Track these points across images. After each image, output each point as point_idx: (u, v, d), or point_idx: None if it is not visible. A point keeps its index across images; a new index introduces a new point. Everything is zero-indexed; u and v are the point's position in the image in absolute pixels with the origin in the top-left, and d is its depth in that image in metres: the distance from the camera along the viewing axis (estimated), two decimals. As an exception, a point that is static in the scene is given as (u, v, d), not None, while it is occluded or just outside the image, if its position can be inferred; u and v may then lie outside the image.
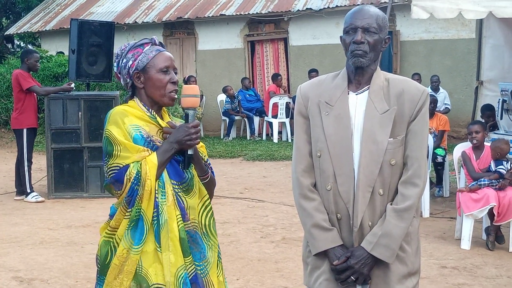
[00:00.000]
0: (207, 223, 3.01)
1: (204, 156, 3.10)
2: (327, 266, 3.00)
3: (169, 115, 3.11)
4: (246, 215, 8.66)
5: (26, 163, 9.71)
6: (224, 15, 17.58)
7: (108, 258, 2.95)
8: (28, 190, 9.72)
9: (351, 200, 2.92)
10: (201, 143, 3.09)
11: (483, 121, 9.75)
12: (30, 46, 24.93)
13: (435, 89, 13.83)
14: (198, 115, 15.78)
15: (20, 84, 9.57)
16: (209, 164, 3.14)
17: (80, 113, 9.77)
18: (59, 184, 9.85)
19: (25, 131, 9.69)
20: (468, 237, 7.09)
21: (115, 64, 3.08)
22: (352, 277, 2.92)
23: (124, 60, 3.00)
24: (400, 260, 2.94)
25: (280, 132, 16.26)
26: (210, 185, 3.07)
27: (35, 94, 9.75)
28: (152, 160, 2.85)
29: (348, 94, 3.00)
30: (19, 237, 7.59)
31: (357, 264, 2.90)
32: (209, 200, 3.04)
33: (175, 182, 2.92)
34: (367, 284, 2.95)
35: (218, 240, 3.10)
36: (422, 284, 3.21)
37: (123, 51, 3.03)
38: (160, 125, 2.97)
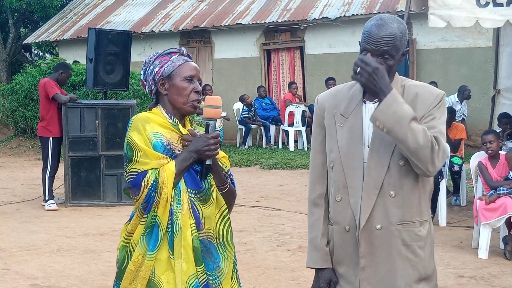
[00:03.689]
0: (224, 233, 3.01)
1: (225, 167, 3.10)
2: (340, 276, 3.07)
3: (191, 123, 3.12)
4: (262, 223, 8.66)
5: (48, 171, 9.81)
6: (241, 24, 17.64)
7: (125, 263, 2.97)
8: (46, 198, 9.78)
9: (359, 211, 2.92)
10: (223, 154, 3.11)
11: (500, 129, 9.72)
12: (48, 56, 25.12)
13: (466, 98, 13.77)
14: (225, 118, 15.85)
15: (46, 92, 9.69)
16: (230, 175, 3.13)
17: (97, 121, 9.82)
18: (76, 192, 9.91)
19: (51, 140, 9.82)
20: (486, 246, 7.05)
21: (142, 71, 3.11)
22: None
23: (151, 67, 3.04)
24: (411, 265, 2.93)
25: (296, 141, 16.25)
26: (228, 196, 3.07)
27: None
28: (170, 168, 2.87)
29: (365, 103, 2.99)
30: (36, 244, 7.63)
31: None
32: (227, 210, 3.03)
33: (191, 191, 2.93)
34: None
35: (235, 249, 3.10)
36: (439, 293, 3.20)
37: (151, 59, 3.06)
38: (181, 132, 2.99)
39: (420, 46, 16.10)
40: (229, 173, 3.13)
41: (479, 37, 15.36)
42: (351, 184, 2.94)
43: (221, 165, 3.07)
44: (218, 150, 2.96)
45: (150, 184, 2.86)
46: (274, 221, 8.79)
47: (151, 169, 2.88)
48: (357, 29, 15.35)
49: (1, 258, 7.09)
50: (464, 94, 13.79)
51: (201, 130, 3.10)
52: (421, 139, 2.76)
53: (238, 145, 16.70)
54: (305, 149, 15.58)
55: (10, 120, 17.16)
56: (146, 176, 2.87)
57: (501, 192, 7.08)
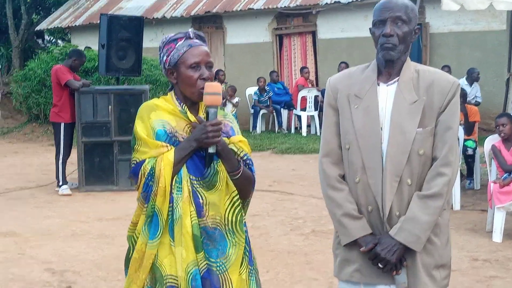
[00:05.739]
0: (233, 219, 2.95)
1: (241, 152, 3.02)
2: (358, 257, 2.99)
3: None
4: (275, 208, 8.67)
5: (61, 156, 9.88)
6: (252, 9, 17.56)
7: (131, 252, 2.99)
8: (60, 183, 9.85)
9: (380, 192, 2.90)
10: (239, 138, 3.04)
11: (514, 113, 9.67)
12: (60, 42, 25.17)
13: (475, 80, 13.69)
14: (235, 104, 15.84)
15: (58, 79, 9.73)
16: (247, 160, 3.05)
17: (110, 107, 9.85)
18: (90, 177, 9.96)
19: (62, 125, 9.88)
20: (500, 229, 7.03)
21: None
22: (379, 265, 2.91)
23: (161, 55, 2.99)
24: (427, 252, 2.92)
25: (308, 126, 16.24)
26: (242, 182, 2.98)
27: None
28: (168, 157, 2.83)
29: (379, 85, 2.99)
30: (51, 229, 7.68)
31: (383, 251, 2.88)
32: (237, 197, 2.96)
33: (194, 178, 2.88)
34: (399, 275, 2.94)
35: (246, 235, 3.05)
36: (453, 276, 3.20)
37: (162, 43, 3.00)
38: (190, 120, 2.94)
39: (433, 30, 15.98)
40: (245, 158, 3.04)
41: (493, 20, 15.22)
42: (369, 165, 2.92)
43: (236, 150, 3.00)
44: (219, 137, 2.85)
45: (146, 173, 2.85)
46: (287, 206, 8.80)
47: (149, 158, 2.87)
48: (369, 13, 15.04)
49: (16, 243, 7.14)
50: (472, 77, 13.70)
51: (220, 116, 3.01)
52: (437, 213, 2.90)
53: (250, 130, 16.70)
54: (318, 133, 15.55)
55: (24, 106, 17.23)
56: (143, 165, 2.87)
57: (515, 175, 7.05)
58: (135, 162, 2.92)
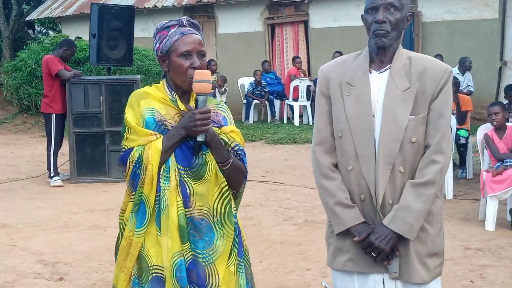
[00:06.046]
0: (222, 211, 2.91)
1: (232, 142, 2.97)
2: (351, 246, 2.97)
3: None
4: (268, 198, 8.66)
5: (52, 147, 9.85)
6: (244, -2, 17.52)
7: (120, 239, 2.97)
8: (52, 174, 9.81)
9: (373, 180, 2.89)
10: (231, 128, 2.99)
11: (507, 101, 9.67)
12: (51, 32, 25.04)
13: (467, 69, 13.67)
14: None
15: (49, 69, 9.68)
16: (238, 150, 3.00)
17: (101, 97, 9.81)
18: (82, 168, 9.92)
19: (53, 116, 9.83)
20: (493, 218, 7.03)
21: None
22: (372, 254, 2.89)
23: (154, 42, 2.95)
24: (420, 240, 2.91)
25: (301, 116, 16.21)
26: (232, 173, 2.93)
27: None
28: (156, 145, 2.80)
29: (371, 73, 2.96)
30: (42, 221, 7.64)
31: (376, 240, 2.87)
32: (226, 188, 2.91)
33: (182, 168, 2.84)
34: (390, 264, 2.92)
35: (241, 223, 3.03)
36: (446, 265, 3.18)
37: (156, 31, 2.96)
38: (180, 108, 2.90)
39: (425, 18, 15.96)
40: (236, 148, 2.99)
41: (485, 9, 15.20)
42: (361, 153, 2.91)
43: (227, 140, 2.95)
44: (209, 126, 2.80)
45: (134, 161, 2.83)
46: (280, 196, 8.79)
47: (138, 146, 2.84)
48: (361, 2, 14.96)
49: (8, 234, 7.11)
50: (465, 66, 13.69)
51: (212, 105, 2.99)
52: (430, 200, 2.88)
53: (243, 120, 16.67)
54: (310, 123, 15.55)
55: (14, 97, 17.15)
56: (131, 153, 2.85)
57: (508, 164, 7.05)
58: (124, 150, 2.90)
